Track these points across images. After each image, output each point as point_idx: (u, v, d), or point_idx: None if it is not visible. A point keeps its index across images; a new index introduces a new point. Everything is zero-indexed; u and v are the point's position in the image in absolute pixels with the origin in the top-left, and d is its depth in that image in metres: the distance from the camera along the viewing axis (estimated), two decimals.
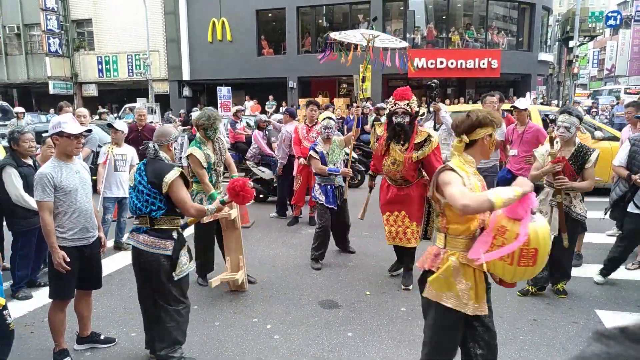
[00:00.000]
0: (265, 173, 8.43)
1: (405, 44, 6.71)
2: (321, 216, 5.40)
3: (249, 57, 22.98)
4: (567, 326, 3.91)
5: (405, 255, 4.81)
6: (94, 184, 3.76)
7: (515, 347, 3.59)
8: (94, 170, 6.40)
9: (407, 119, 4.40)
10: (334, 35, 6.09)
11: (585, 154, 4.16)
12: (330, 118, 5.61)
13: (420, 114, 4.81)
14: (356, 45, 6.15)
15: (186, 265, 3.32)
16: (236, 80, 22.81)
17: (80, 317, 3.61)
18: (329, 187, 5.43)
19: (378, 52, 6.12)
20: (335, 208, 5.41)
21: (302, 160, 6.82)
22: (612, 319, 4.00)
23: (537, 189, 4.55)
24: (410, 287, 4.66)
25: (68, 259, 3.22)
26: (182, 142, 8.49)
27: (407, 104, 4.41)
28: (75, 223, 3.31)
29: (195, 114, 8.14)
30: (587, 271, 5.02)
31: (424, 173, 4.63)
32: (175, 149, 3.48)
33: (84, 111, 6.97)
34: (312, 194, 5.63)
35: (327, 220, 5.37)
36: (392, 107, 4.49)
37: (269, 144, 8.67)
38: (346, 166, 5.55)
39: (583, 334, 3.76)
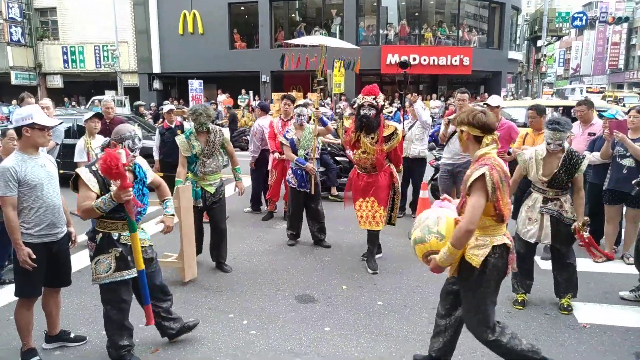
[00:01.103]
0: None
1: (356, 47, 7.68)
2: (292, 199, 5.81)
3: (221, 51, 22.67)
4: (540, 317, 3.99)
5: (370, 239, 5.08)
6: (63, 178, 3.59)
7: None
8: (66, 165, 6.20)
9: (372, 112, 4.74)
10: (289, 41, 7.12)
11: (577, 162, 4.00)
12: (303, 106, 6.02)
13: (390, 111, 5.35)
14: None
15: (104, 273, 3.08)
16: (208, 74, 22.48)
17: (49, 315, 3.48)
18: (300, 171, 5.66)
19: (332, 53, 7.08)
20: (308, 191, 5.68)
21: (277, 154, 6.76)
22: (583, 310, 4.11)
23: (522, 194, 4.55)
24: (377, 272, 4.92)
25: (34, 256, 3.08)
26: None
27: (374, 99, 4.77)
28: (41, 219, 3.17)
29: (166, 107, 7.97)
30: None
31: (389, 163, 5.07)
32: (130, 147, 3.19)
33: (47, 102, 6.69)
34: (287, 178, 5.86)
35: (299, 205, 5.81)
36: (360, 101, 4.85)
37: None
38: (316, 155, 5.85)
39: (555, 325, 3.85)
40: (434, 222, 2.76)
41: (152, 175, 3.44)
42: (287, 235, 5.98)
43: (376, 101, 4.77)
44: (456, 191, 6.60)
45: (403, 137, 5.56)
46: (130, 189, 2.89)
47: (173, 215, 3.60)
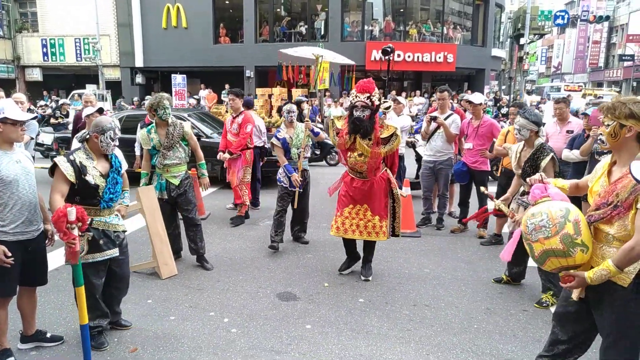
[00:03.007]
0: None
1: (350, 61, 7.59)
2: (281, 199, 5.55)
3: (205, 45, 22.44)
4: (519, 314, 4.04)
5: (365, 248, 4.78)
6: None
7: (470, 336, 3.68)
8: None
9: (366, 113, 4.27)
10: (284, 51, 6.47)
11: (540, 157, 4.14)
12: (293, 103, 5.99)
13: (387, 107, 4.92)
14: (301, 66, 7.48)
15: (81, 254, 3.16)
16: (192, 68, 22.27)
17: (24, 314, 3.41)
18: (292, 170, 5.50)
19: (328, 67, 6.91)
20: (299, 190, 5.51)
21: (226, 154, 6.69)
22: None
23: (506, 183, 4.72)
24: (370, 278, 4.70)
25: (9, 254, 3.02)
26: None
27: (368, 97, 4.25)
28: (17, 216, 3.10)
29: (147, 102, 7.87)
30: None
31: (385, 167, 4.63)
32: (109, 139, 3.34)
33: (21, 97, 6.55)
34: (277, 177, 5.61)
35: (287, 204, 5.57)
36: (353, 99, 4.37)
37: None
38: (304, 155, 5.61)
39: (532, 322, 3.91)
40: (575, 229, 2.26)
41: (125, 167, 3.67)
42: (271, 239, 5.50)
43: (370, 100, 4.25)
44: (438, 188, 6.67)
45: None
46: (73, 241, 2.91)
47: (127, 205, 3.81)
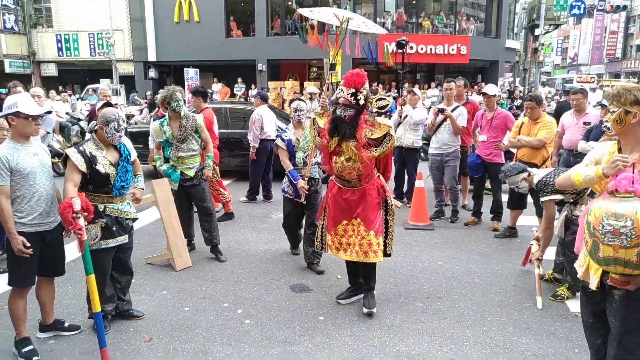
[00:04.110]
0: None
1: (382, 30, 5.94)
2: (287, 211, 4.98)
3: (217, 39, 22.47)
4: (532, 307, 4.01)
5: (363, 272, 3.99)
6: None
7: (483, 329, 3.66)
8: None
9: (349, 113, 3.52)
10: (303, 12, 5.50)
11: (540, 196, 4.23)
12: (300, 100, 5.46)
13: (382, 106, 3.76)
14: (324, 25, 6.22)
15: (91, 241, 3.34)
16: (204, 62, 22.31)
17: (42, 304, 3.47)
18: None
19: (352, 38, 6.30)
20: (304, 201, 4.76)
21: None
22: (575, 300, 4.13)
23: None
24: (375, 310, 3.89)
25: (28, 244, 3.08)
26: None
27: (353, 94, 3.48)
28: (34, 207, 3.16)
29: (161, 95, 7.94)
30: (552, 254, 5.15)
31: (377, 173, 3.90)
32: (113, 130, 3.42)
33: (39, 91, 6.69)
34: (282, 187, 4.93)
35: (292, 218, 4.99)
36: (338, 93, 3.59)
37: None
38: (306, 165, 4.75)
39: (547, 315, 3.88)
40: None
41: (134, 155, 3.72)
42: (305, 257, 4.94)
43: (356, 98, 3.49)
44: (446, 181, 6.62)
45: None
46: (79, 231, 3.01)
47: (143, 189, 3.86)
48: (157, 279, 4.58)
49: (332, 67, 4.93)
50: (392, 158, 3.92)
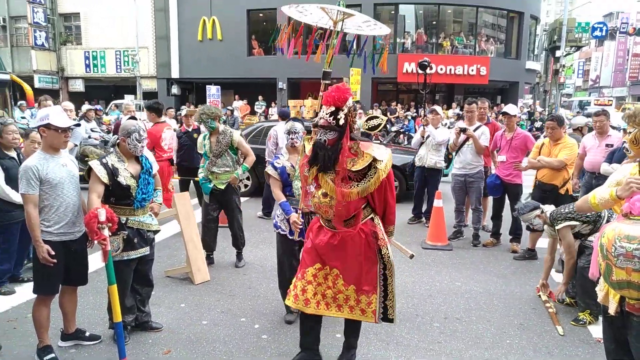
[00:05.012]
0: None
1: (387, 29, 4.75)
2: (283, 251, 4.03)
3: (239, 57, 22.91)
4: (553, 331, 3.94)
5: (347, 327, 3.29)
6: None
7: (502, 351, 3.61)
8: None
9: (329, 136, 2.85)
10: (288, 12, 4.51)
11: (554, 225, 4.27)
12: (296, 120, 5.10)
13: (373, 126, 2.99)
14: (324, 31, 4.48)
15: (113, 252, 3.38)
16: (226, 80, 22.72)
17: (65, 313, 3.55)
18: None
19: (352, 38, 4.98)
20: (298, 238, 3.85)
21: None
22: (598, 325, 4.05)
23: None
24: None
25: (53, 253, 3.16)
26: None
27: (333, 113, 2.82)
28: (61, 217, 3.25)
29: (184, 111, 8.14)
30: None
31: (372, 215, 3.04)
32: (135, 141, 3.51)
33: (69, 105, 6.93)
34: (274, 221, 4.08)
35: (285, 262, 4.03)
36: (319, 115, 2.95)
37: None
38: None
39: (568, 340, 3.80)
40: None
41: (156, 168, 3.82)
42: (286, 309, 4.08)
43: (336, 118, 2.81)
44: (470, 202, 6.57)
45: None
46: (103, 241, 3.10)
47: (161, 203, 3.94)
48: (176, 292, 4.63)
49: (325, 75, 3.75)
50: (395, 190, 3.06)
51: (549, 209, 4.42)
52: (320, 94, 3.19)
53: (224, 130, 5.22)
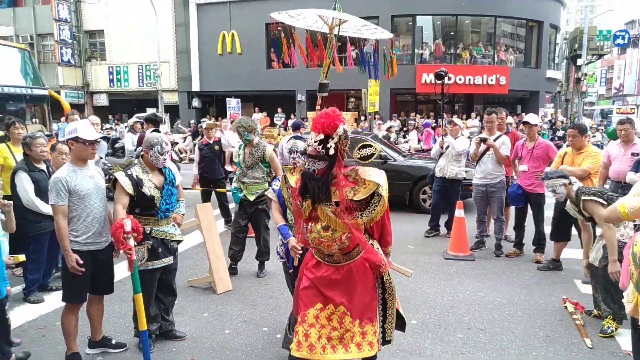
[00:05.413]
0: None
1: (388, 34, 4.20)
2: (287, 279, 3.82)
3: (258, 70, 23.19)
4: (581, 344, 3.86)
5: None
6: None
7: None
8: None
9: (318, 166, 2.62)
10: (279, 17, 4.08)
11: (578, 204, 4.14)
12: (298, 137, 4.90)
13: (365, 156, 2.76)
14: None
15: (139, 261, 3.43)
16: (245, 92, 23.00)
17: (92, 321, 3.62)
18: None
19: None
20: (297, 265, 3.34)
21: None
22: (627, 337, 3.95)
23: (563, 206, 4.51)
24: None
25: (81, 262, 3.24)
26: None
27: (322, 141, 2.59)
28: (88, 227, 3.34)
29: (204, 124, 8.28)
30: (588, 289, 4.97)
31: (371, 240, 2.86)
32: (157, 153, 3.59)
33: (96, 119, 7.13)
34: (276, 248, 3.84)
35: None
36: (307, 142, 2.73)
37: None
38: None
39: (597, 352, 3.72)
40: None
41: (179, 179, 3.91)
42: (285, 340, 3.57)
43: (325, 146, 2.58)
44: (492, 212, 6.50)
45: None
46: (129, 251, 3.17)
47: (183, 214, 3.97)
48: (199, 301, 4.68)
49: (322, 87, 3.41)
50: (389, 218, 2.90)
51: (577, 184, 4.33)
52: (317, 107, 2.98)
53: (257, 143, 5.34)
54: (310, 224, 2.76)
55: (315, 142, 2.60)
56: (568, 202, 4.36)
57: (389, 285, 2.86)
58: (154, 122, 7.05)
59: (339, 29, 3.77)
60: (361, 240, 2.69)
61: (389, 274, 2.85)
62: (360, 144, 2.77)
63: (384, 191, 2.67)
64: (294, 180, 2.87)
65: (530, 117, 6.18)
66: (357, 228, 2.65)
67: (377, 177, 2.68)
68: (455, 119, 7.34)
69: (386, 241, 2.92)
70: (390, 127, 16.11)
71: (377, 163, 8.62)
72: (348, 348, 2.72)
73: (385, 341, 2.97)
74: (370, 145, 2.77)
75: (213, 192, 7.49)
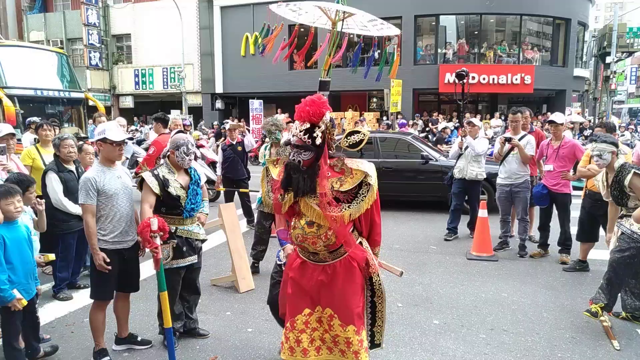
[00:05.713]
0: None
1: (396, 30, 4.17)
2: (275, 286, 3.46)
3: (280, 71, 23.29)
4: (608, 345, 3.78)
5: None
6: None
7: None
8: None
9: (304, 157, 2.53)
10: (279, 10, 3.99)
11: (622, 176, 3.98)
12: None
13: (354, 143, 2.66)
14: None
15: (164, 260, 3.43)
16: (268, 94, 23.17)
17: (118, 318, 3.71)
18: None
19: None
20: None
21: None
22: None
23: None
24: None
25: (108, 260, 3.33)
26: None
27: (307, 130, 2.51)
28: (116, 226, 3.43)
29: (227, 125, 8.40)
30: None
31: (359, 239, 2.75)
32: (183, 154, 3.63)
33: (123, 121, 7.34)
34: (277, 253, 3.25)
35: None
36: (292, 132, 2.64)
37: None
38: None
39: (625, 354, 3.64)
40: None
41: (204, 179, 3.95)
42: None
43: (311, 136, 2.50)
44: (516, 212, 6.40)
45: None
46: (155, 249, 3.22)
47: (207, 214, 4.00)
48: (222, 300, 4.75)
49: (322, 86, 3.28)
50: (380, 211, 2.75)
51: (623, 158, 4.25)
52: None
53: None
54: (294, 219, 2.66)
55: (300, 131, 2.51)
56: (600, 175, 4.31)
57: (379, 288, 2.75)
58: (163, 121, 7.17)
59: (343, 23, 3.68)
60: (345, 235, 2.55)
61: (378, 276, 2.74)
62: (349, 132, 2.67)
63: (373, 180, 2.55)
64: (276, 172, 2.76)
65: (556, 116, 6.07)
66: (342, 223, 2.53)
67: (365, 166, 2.57)
68: (473, 119, 7.25)
69: (374, 240, 2.79)
70: (445, 128, 15.37)
71: (419, 163, 8.61)
72: (345, 354, 2.64)
73: (374, 345, 2.86)
74: (358, 132, 2.65)
75: (236, 192, 7.58)
